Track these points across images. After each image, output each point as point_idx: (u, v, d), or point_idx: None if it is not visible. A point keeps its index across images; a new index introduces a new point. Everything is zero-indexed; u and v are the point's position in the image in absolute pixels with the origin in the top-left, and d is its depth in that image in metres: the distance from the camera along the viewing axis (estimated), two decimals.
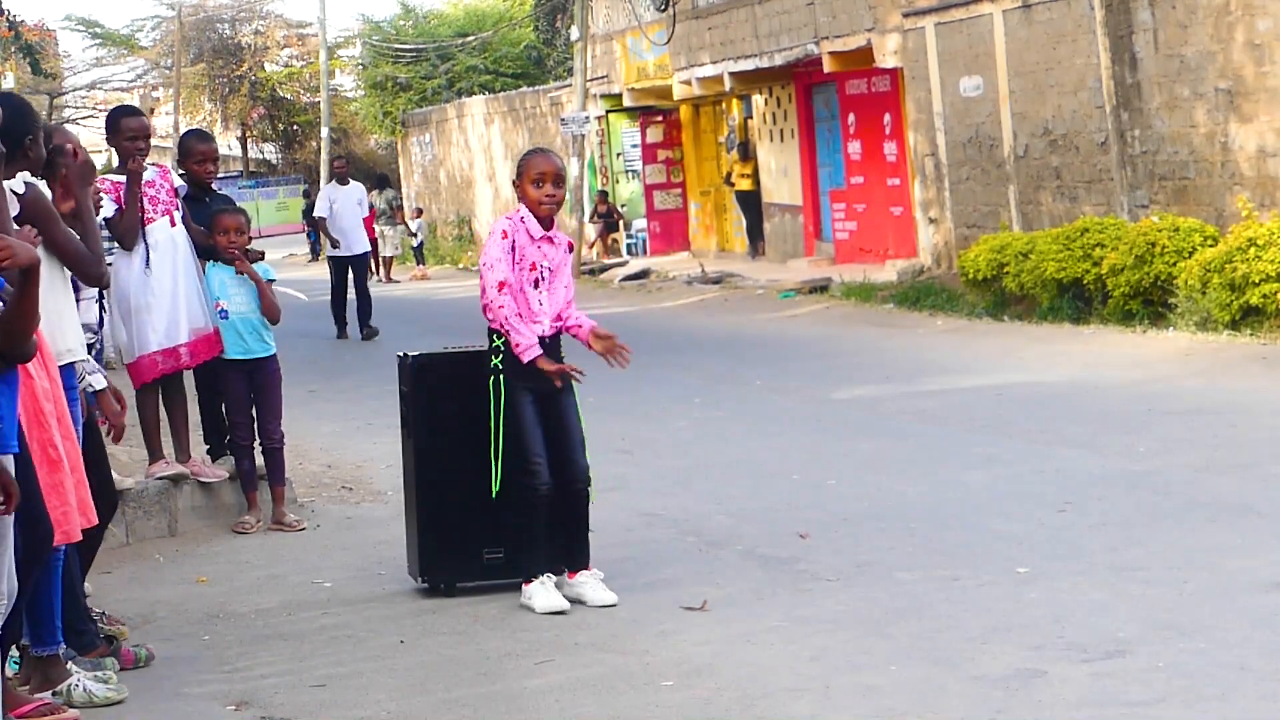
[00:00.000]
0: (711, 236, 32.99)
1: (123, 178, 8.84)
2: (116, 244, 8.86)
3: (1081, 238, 17.39)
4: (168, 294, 9.08)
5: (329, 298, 21.51)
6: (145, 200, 8.97)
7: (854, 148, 26.44)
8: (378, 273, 35.55)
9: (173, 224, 9.10)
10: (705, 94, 30.12)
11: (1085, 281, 17.17)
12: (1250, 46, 16.83)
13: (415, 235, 38.51)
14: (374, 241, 32.40)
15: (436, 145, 44.80)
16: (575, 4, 32.70)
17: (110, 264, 8.08)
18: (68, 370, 6.29)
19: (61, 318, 6.26)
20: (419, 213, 40.27)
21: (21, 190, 6.06)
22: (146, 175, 8.98)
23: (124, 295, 9.02)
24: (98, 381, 6.94)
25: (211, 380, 9.60)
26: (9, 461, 5.38)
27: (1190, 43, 17.62)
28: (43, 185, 6.31)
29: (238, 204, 9.95)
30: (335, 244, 20.81)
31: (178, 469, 9.24)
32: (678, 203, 34.19)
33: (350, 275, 21.07)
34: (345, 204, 21.23)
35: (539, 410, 7.35)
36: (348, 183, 21.56)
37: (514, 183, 7.55)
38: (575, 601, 7.28)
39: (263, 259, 9.60)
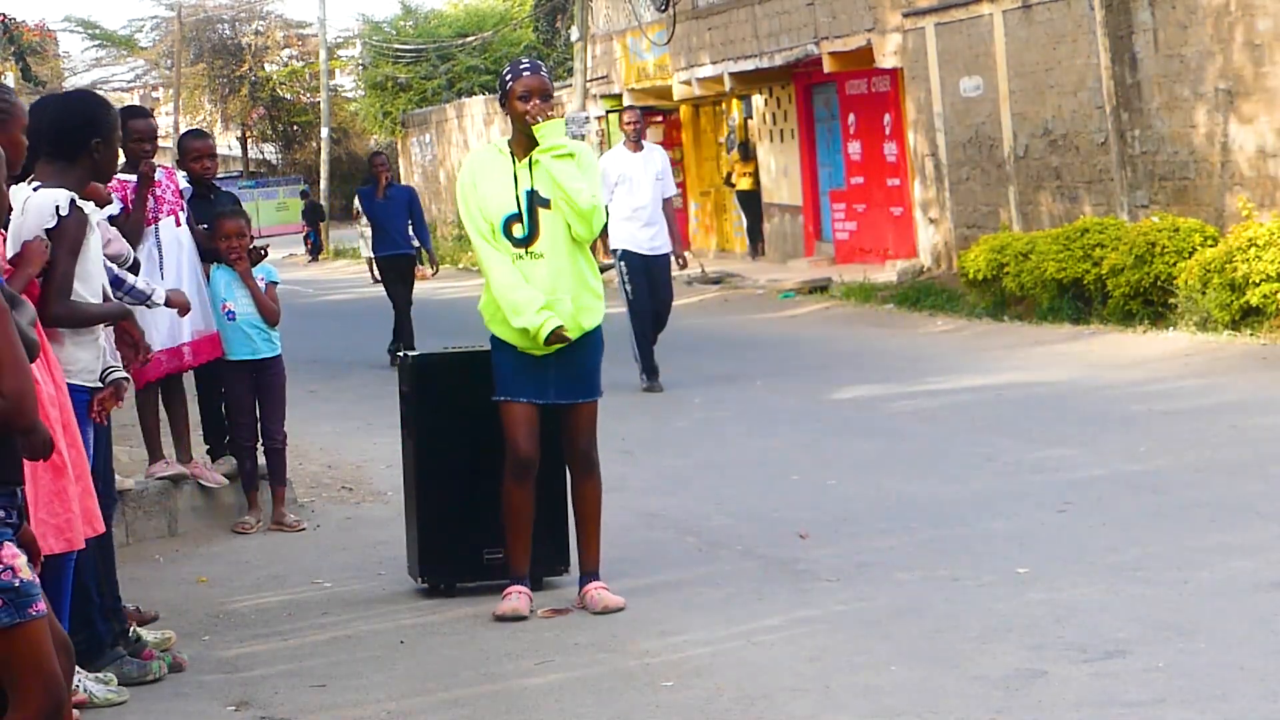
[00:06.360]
0: (711, 236, 32.98)
1: (132, 177, 8.80)
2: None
3: (1081, 238, 17.38)
4: None
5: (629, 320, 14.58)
6: (152, 200, 8.96)
7: (854, 148, 26.43)
8: (372, 273, 35.46)
9: (178, 224, 9.09)
10: (705, 94, 30.10)
11: (1085, 282, 17.15)
12: (1250, 46, 16.82)
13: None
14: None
15: (436, 145, 44.79)
16: (575, 4, 32.67)
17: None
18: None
19: (77, 333, 6.19)
20: None
21: (66, 211, 5.96)
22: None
23: None
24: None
25: (212, 381, 9.60)
26: None
27: (1190, 43, 17.61)
28: (98, 213, 6.13)
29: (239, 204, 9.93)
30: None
31: (178, 469, 9.24)
32: (678, 203, 34.13)
33: (648, 282, 14.35)
34: (639, 176, 14.51)
35: None
36: (641, 147, 14.86)
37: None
38: None
39: (266, 257, 9.57)
